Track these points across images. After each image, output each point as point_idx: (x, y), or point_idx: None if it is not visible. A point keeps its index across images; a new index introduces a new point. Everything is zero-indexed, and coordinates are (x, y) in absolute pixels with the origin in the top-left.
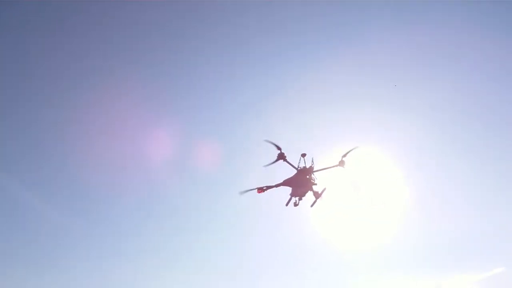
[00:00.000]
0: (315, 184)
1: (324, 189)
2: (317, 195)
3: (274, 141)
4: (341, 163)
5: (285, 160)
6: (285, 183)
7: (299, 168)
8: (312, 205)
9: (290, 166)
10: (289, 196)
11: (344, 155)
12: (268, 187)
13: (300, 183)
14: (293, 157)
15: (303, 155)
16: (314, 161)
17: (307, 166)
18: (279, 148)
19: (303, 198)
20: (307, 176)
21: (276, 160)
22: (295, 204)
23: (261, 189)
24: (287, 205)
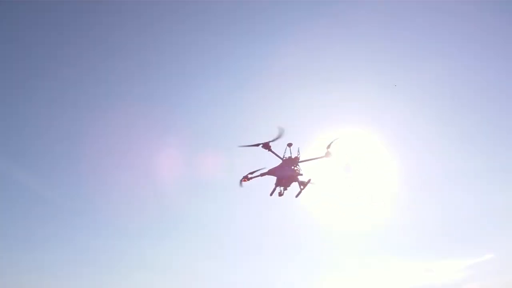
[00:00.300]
0: (301, 175)
1: (309, 180)
2: (302, 186)
3: (248, 144)
4: (327, 154)
5: (269, 150)
6: (270, 172)
7: (284, 158)
8: (297, 196)
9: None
10: (274, 186)
11: (328, 146)
12: (253, 176)
13: (285, 173)
14: (280, 147)
15: (289, 144)
16: (300, 151)
17: (293, 156)
18: (261, 144)
19: (288, 188)
20: (292, 167)
21: (256, 145)
22: (280, 194)
23: (245, 178)
24: (271, 195)
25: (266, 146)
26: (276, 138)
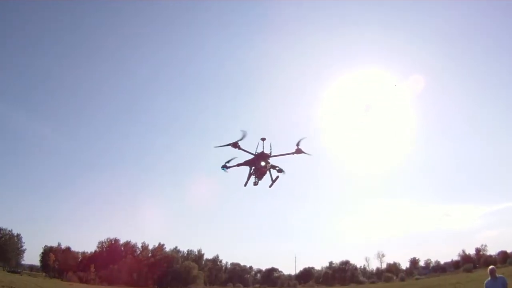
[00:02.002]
0: (275, 168)
1: (277, 177)
2: (272, 179)
3: (222, 144)
4: (298, 151)
5: (239, 148)
6: (245, 163)
7: (256, 154)
8: (270, 186)
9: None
10: (247, 175)
11: (298, 143)
12: (230, 165)
13: (258, 166)
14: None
15: (263, 139)
16: (272, 146)
17: (265, 151)
18: (231, 144)
19: (261, 179)
20: (262, 162)
21: (228, 145)
22: (255, 183)
23: (224, 166)
24: (245, 185)
25: (235, 145)
26: (241, 139)
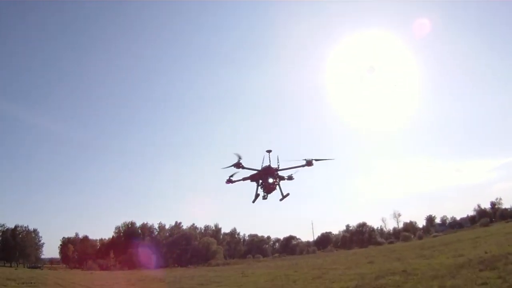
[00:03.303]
0: (283, 179)
1: (288, 194)
2: (282, 194)
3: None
4: (309, 163)
5: (243, 167)
6: (251, 177)
7: (261, 169)
8: (280, 200)
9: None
10: (255, 191)
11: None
12: (235, 180)
13: (265, 183)
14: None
15: (268, 151)
16: (279, 159)
17: (271, 165)
18: (234, 165)
19: (271, 192)
20: (270, 179)
21: (233, 165)
22: (264, 198)
23: (229, 181)
24: (253, 202)
25: (238, 166)
26: (239, 159)
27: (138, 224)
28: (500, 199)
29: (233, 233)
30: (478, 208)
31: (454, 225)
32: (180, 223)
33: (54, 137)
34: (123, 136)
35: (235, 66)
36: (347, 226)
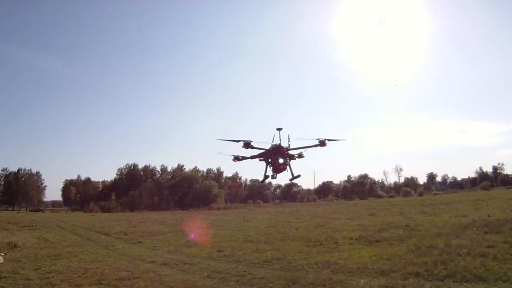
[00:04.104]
0: (293, 158)
1: (299, 175)
2: (292, 175)
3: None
4: (322, 143)
5: (252, 147)
6: (259, 156)
7: (271, 147)
8: (290, 180)
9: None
10: (264, 171)
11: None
12: (244, 158)
13: (275, 163)
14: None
15: (279, 129)
16: (290, 138)
17: (282, 144)
18: (242, 142)
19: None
20: (281, 159)
21: (243, 146)
22: (273, 177)
23: (236, 158)
24: (262, 182)
25: (247, 145)
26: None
27: (140, 166)
28: (503, 164)
29: (234, 177)
30: (480, 171)
31: (455, 185)
32: (182, 165)
33: (56, 80)
34: (128, 79)
35: (243, 13)
36: (349, 176)
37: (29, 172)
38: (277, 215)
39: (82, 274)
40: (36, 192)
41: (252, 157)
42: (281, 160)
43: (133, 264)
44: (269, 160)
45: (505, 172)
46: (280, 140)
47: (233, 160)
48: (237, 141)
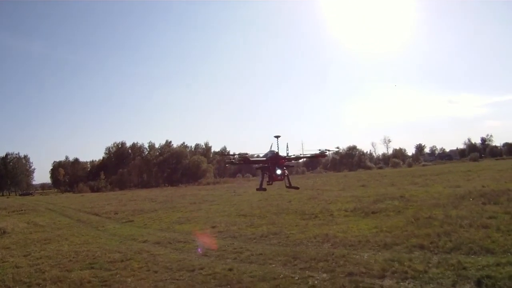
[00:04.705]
0: (290, 165)
1: (297, 187)
2: (291, 185)
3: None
4: (322, 154)
5: (249, 162)
6: (257, 164)
7: (269, 157)
8: (287, 187)
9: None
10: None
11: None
12: (239, 162)
13: (272, 174)
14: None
15: (277, 137)
16: (288, 146)
17: (280, 153)
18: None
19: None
20: (279, 170)
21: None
22: (268, 183)
23: (230, 163)
24: (258, 189)
25: (244, 160)
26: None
27: (128, 144)
28: (491, 136)
29: (223, 151)
30: (469, 142)
31: (443, 156)
32: (170, 142)
33: (39, 60)
34: (113, 57)
35: None
36: (337, 148)
37: (17, 156)
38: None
39: (73, 258)
40: (24, 176)
41: (248, 162)
42: (279, 171)
43: (125, 244)
44: (266, 168)
45: (493, 144)
46: (278, 149)
47: (226, 163)
48: (233, 157)
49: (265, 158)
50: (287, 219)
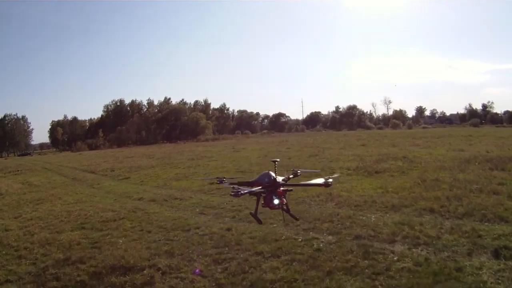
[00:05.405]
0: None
1: (297, 219)
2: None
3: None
4: (327, 184)
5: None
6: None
7: (265, 183)
8: (286, 211)
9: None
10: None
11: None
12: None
13: (269, 203)
14: None
15: (274, 161)
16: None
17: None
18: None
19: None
20: (276, 200)
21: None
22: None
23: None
24: (253, 216)
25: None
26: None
27: (127, 102)
28: (492, 103)
29: (222, 108)
30: (469, 108)
31: (444, 120)
32: (169, 98)
33: (37, 22)
34: (110, 13)
35: None
36: (337, 107)
37: (15, 117)
38: (266, 145)
39: (65, 218)
40: (23, 137)
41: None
42: (276, 201)
43: (120, 202)
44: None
45: (494, 111)
46: (275, 174)
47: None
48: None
49: (260, 185)
50: None
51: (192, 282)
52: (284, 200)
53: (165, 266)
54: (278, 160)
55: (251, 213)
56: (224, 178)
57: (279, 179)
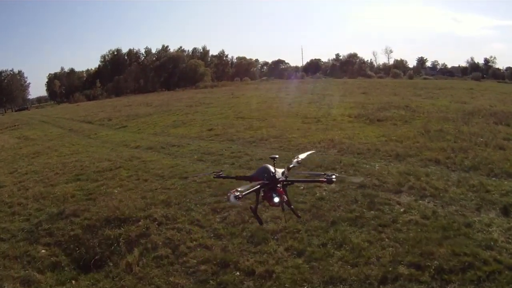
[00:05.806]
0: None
1: (300, 216)
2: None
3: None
4: (329, 180)
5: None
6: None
7: (263, 179)
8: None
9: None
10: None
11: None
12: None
13: (270, 202)
14: None
15: (273, 158)
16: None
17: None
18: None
19: None
20: (276, 198)
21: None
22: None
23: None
24: (253, 212)
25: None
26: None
27: (124, 51)
28: (495, 58)
29: (221, 55)
30: (471, 61)
31: (445, 72)
32: (167, 46)
33: None
34: None
35: None
36: (337, 55)
37: (12, 72)
38: (266, 91)
39: (60, 170)
40: (20, 92)
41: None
42: (276, 200)
43: (116, 151)
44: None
45: (496, 66)
46: (274, 171)
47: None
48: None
49: (258, 180)
50: (288, 122)
51: (189, 233)
52: (285, 197)
53: (161, 217)
54: (277, 156)
55: (250, 208)
56: (221, 171)
57: (279, 172)
